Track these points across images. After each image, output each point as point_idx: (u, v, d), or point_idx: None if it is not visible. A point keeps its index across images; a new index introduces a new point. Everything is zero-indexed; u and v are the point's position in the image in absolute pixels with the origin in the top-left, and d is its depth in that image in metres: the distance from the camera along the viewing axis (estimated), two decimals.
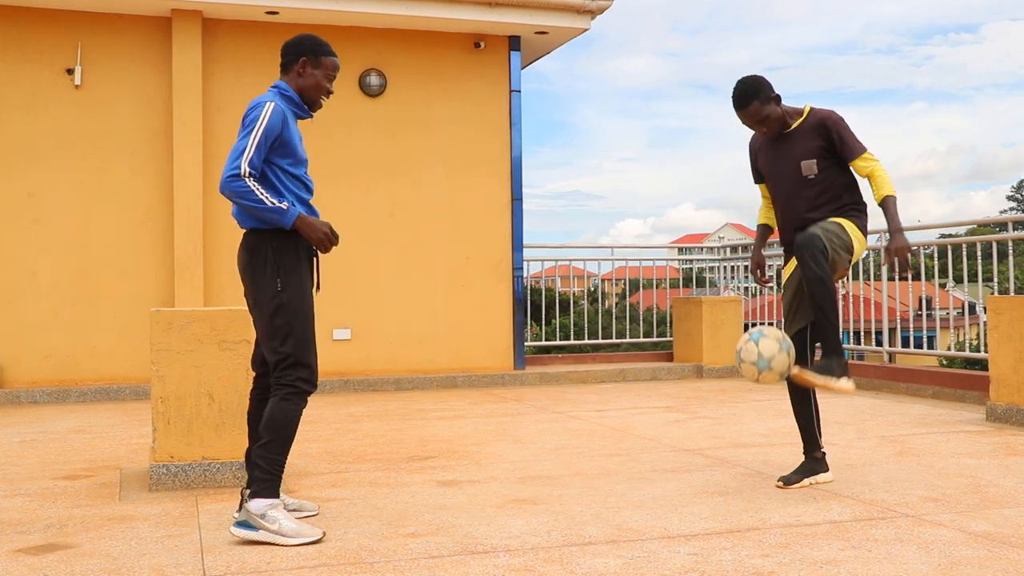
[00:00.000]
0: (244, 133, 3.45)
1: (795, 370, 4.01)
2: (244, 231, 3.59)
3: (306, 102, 3.66)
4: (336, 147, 8.92)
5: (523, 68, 9.68)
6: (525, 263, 9.64)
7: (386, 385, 8.65)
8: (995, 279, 7.93)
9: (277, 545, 3.27)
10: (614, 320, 11.04)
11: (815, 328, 4.16)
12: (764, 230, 4.62)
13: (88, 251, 8.31)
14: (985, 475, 4.35)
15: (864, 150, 4.15)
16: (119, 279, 8.35)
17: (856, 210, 4.21)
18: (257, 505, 3.34)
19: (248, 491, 3.42)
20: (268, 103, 3.51)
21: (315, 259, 3.66)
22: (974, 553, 3.10)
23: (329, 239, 3.52)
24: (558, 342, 10.55)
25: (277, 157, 3.52)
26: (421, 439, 5.71)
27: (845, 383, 3.91)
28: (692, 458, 4.92)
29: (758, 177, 4.50)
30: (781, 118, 4.21)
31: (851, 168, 4.20)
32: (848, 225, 4.14)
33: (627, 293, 15.19)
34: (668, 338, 10.69)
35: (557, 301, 11.44)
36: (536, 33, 9.28)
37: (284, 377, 3.46)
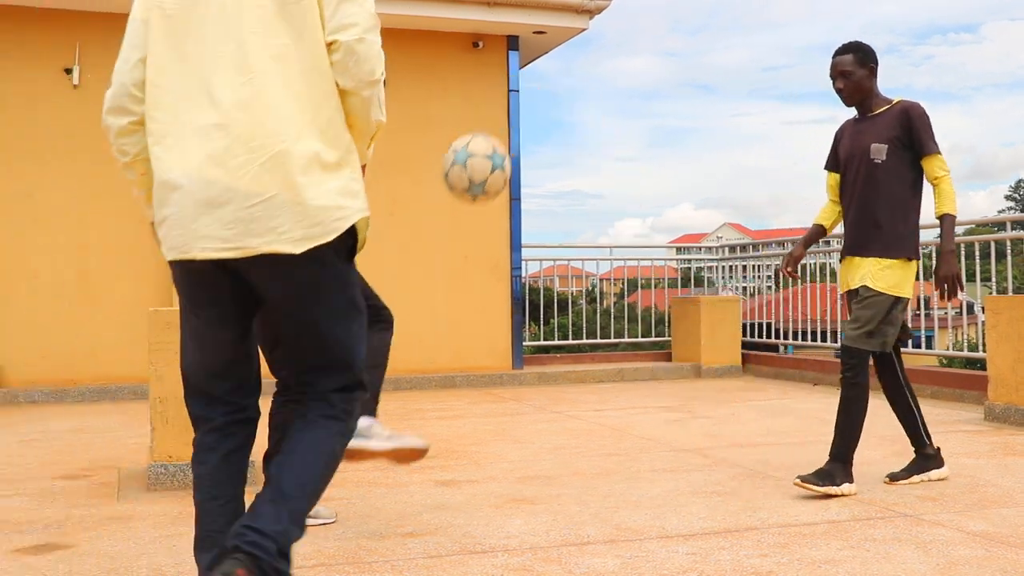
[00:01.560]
0: None
1: (796, 481, 3.97)
2: None
3: None
4: None
5: (522, 68, 9.68)
6: (524, 263, 9.64)
7: (384, 385, 8.61)
8: (993, 279, 7.92)
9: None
10: (612, 320, 11.04)
11: (836, 427, 4.07)
12: (818, 230, 4.52)
13: (87, 251, 8.30)
14: (983, 475, 4.35)
15: (939, 152, 4.07)
16: (118, 279, 8.35)
17: (906, 234, 4.09)
18: (364, 422, 3.49)
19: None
20: None
21: None
22: (972, 553, 3.10)
23: None
24: (557, 342, 10.55)
25: None
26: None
27: (847, 488, 3.94)
28: (690, 458, 4.92)
29: (832, 164, 4.38)
30: (864, 88, 4.14)
31: (921, 166, 4.09)
32: (891, 277, 4.05)
33: (625, 293, 15.20)
34: (666, 338, 10.69)
35: (556, 301, 11.44)
36: (534, 33, 9.28)
37: None
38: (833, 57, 4.18)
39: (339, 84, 2.30)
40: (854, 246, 4.20)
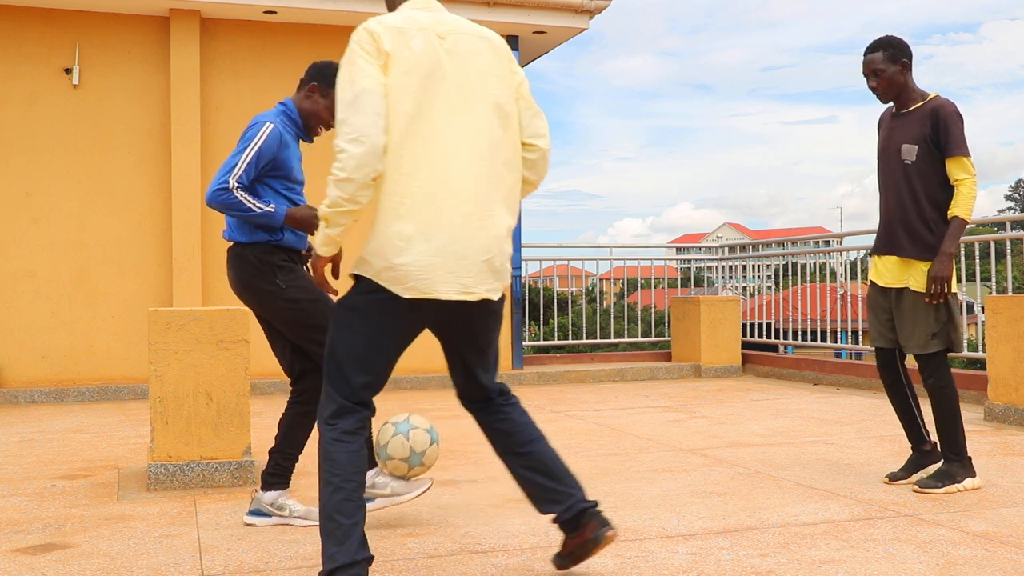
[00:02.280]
0: (238, 150, 3.50)
1: (915, 488, 4.04)
2: (228, 247, 3.65)
3: (306, 126, 3.70)
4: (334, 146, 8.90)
5: (522, 67, 9.66)
6: (523, 263, 9.64)
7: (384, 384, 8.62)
8: (993, 279, 7.91)
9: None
10: (612, 320, 11.04)
11: (938, 431, 4.12)
12: None
13: (86, 250, 8.30)
14: (983, 475, 4.35)
15: (967, 154, 4.00)
16: (117, 279, 8.35)
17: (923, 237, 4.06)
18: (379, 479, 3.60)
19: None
20: (267, 124, 3.55)
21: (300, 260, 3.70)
22: (972, 552, 3.10)
23: (311, 220, 3.55)
24: (556, 342, 10.55)
25: (270, 178, 3.57)
26: None
27: (971, 482, 4.02)
28: (690, 458, 4.92)
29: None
30: (898, 84, 4.08)
31: (945, 165, 4.03)
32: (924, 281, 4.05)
33: (625, 293, 15.19)
34: (666, 338, 10.69)
35: (555, 301, 11.45)
36: (534, 32, 9.28)
37: None
38: (864, 55, 4.12)
39: (525, 176, 2.91)
40: (894, 245, 4.13)
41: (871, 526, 3.47)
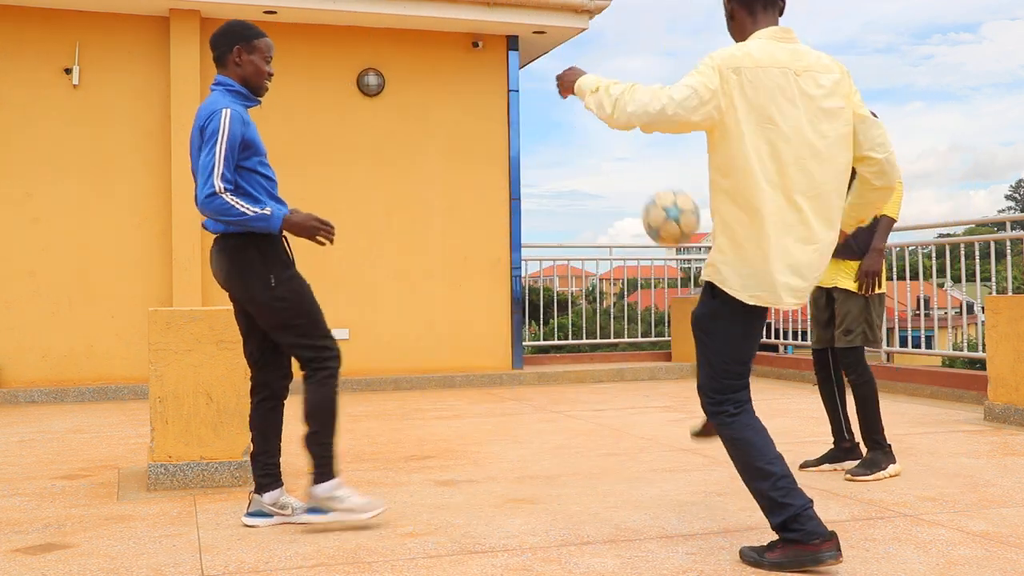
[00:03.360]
0: (208, 147, 3.40)
1: (847, 476, 4.34)
2: (216, 236, 3.57)
3: (251, 89, 3.60)
4: (334, 146, 8.92)
5: (521, 68, 9.68)
6: (523, 263, 9.64)
7: (384, 385, 8.64)
8: (993, 279, 7.92)
9: (350, 521, 3.47)
10: (612, 320, 11.04)
11: (861, 423, 4.43)
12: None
13: (86, 250, 8.30)
14: (983, 475, 4.35)
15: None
16: (117, 279, 8.35)
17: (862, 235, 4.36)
18: (325, 488, 3.47)
19: (312, 477, 3.53)
20: (223, 110, 3.45)
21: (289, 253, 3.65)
22: (972, 553, 3.10)
23: (320, 230, 3.52)
24: (556, 342, 10.55)
25: (244, 160, 3.50)
26: (419, 439, 5.71)
27: (893, 468, 4.33)
28: (690, 458, 4.92)
29: None
30: None
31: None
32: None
33: (625, 293, 15.19)
34: (666, 338, 10.69)
35: (555, 301, 11.45)
36: (534, 33, 9.28)
37: (316, 363, 3.51)
38: None
39: (875, 184, 3.17)
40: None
41: (871, 526, 3.47)
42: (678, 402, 7.46)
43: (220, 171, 3.39)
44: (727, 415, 3.02)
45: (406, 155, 9.14)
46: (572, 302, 11.68)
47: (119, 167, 8.36)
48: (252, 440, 3.68)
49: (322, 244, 3.58)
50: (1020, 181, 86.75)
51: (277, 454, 3.69)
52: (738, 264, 2.98)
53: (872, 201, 3.26)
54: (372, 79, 8.98)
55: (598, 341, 10.61)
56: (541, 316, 10.64)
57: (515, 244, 9.40)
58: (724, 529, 3.45)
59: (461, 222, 9.28)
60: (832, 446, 4.61)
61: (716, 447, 5.24)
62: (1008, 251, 7.49)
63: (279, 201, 3.63)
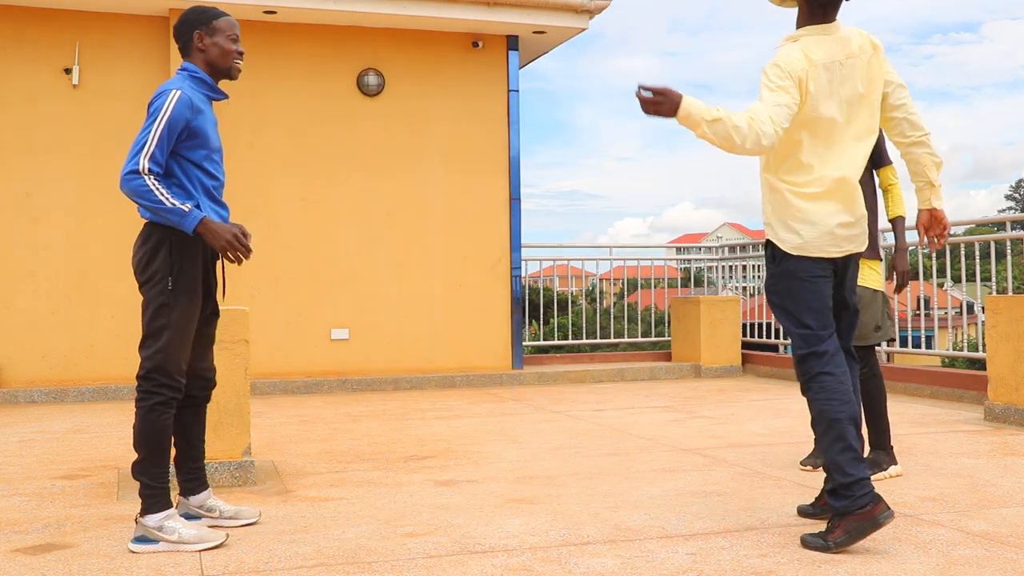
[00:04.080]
0: (146, 125, 3.22)
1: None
2: (144, 222, 3.37)
3: (220, 73, 3.44)
4: (334, 146, 8.92)
5: (521, 67, 9.68)
6: (523, 263, 9.64)
7: (384, 385, 8.64)
8: (993, 279, 7.92)
9: (181, 553, 3.20)
10: (612, 320, 11.04)
11: (869, 423, 4.43)
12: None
13: (86, 250, 8.31)
14: (983, 475, 4.35)
15: (892, 162, 4.47)
16: (117, 279, 8.34)
17: (876, 235, 4.39)
18: (153, 519, 3.25)
19: (141, 507, 3.30)
20: (173, 91, 3.27)
21: (221, 264, 3.47)
22: (972, 553, 3.10)
23: (233, 247, 3.26)
24: (556, 342, 10.55)
25: (187, 150, 3.31)
26: (419, 439, 5.71)
27: (894, 470, 4.36)
28: (690, 458, 4.92)
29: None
30: None
31: (875, 174, 4.51)
32: (875, 278, 4.42)
33: (625, 293, 15.20)
34: (666, 338, 10.69)
35: (555, 301, 11.45)
36: (534, 32, 9.28)
37: (148, 384, 3.28)
38: None
39: (908, 136, 3.42)
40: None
41: None
42: (678, 402, 7.46)
43: (150, 151, 3.19)
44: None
45: (406, 155, 9.14)
46: (572, 302, 11.67)
47: (119, 167, 8.33)
48: (175, 445, 3.56)
49: (231, 261, 3.28)
50: (1020, 181, 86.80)
51: (201, 458, 3.63)
52: None
53: (919, 157, 3.40)
54: (372, 79, 8.98)
55: (598, 341, 10.61)
56: (541, 316, 10.64)
57: (515, 244, 9.41)
58: (724, 529, 3.45)
59: (461, 222, 9.28)
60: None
61: (716, 447, 5.24)
62: (1008, 251, 7.49)
63: (219, 204, 3.44)
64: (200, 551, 3.21)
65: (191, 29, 3.43)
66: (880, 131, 4.26)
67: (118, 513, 3.82)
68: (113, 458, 5.13)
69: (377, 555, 3.16)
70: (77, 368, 8.24)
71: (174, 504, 3.44)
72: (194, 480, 3.60)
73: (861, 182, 4.49)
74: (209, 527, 3.43)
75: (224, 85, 3.93)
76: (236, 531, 3.50)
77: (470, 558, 3.12)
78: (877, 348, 4.65)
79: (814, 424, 3.26)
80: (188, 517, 3.54)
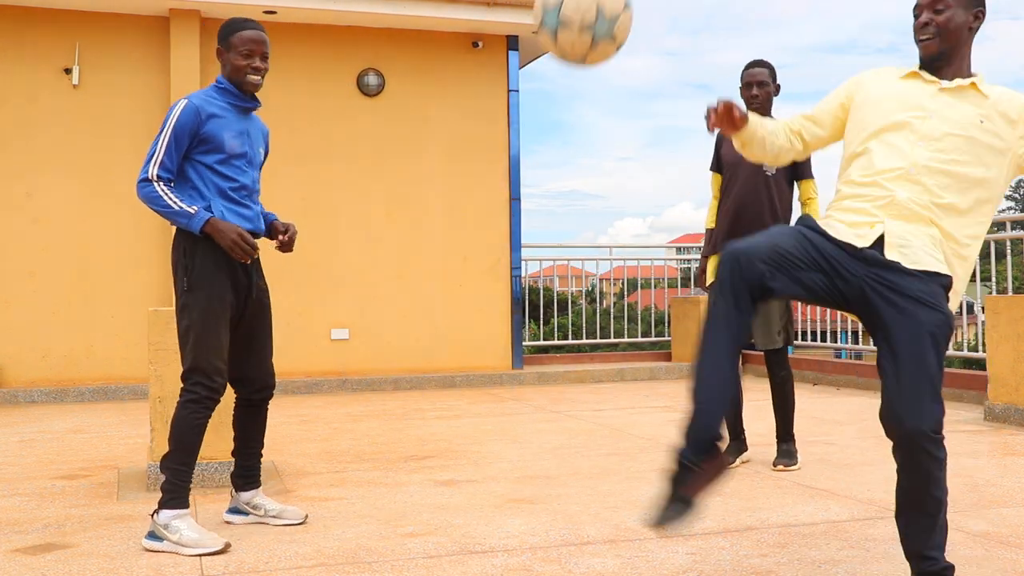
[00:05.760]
0: (158, 134, 3.37)
1: (777, 468, 4.59)
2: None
3: (239, 86, 3.49)
4: (334, 146, 8.92)
5: (521, 68, 9.68)
6: (523, 263, 9.64)
7: (384, 385, 8.64)
8: (993, 279, 7.92)
9: (179, 555, 3.19)
10: (612, 320, 11.04)
11: (784, 418, 4.76)
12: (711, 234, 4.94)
13: (86, 251, 8.30)
14: (983, 475, 4.35)
15: (813, 177, 4.67)
16: (117, 279, 8.35)
17: None
18: (164, 516, 3.27)
19: (159, 500, 3.33)
20: (181, 101, 3.42)
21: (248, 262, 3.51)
22: (972, 553, 3.10)
23: (238, 244, 3.35)
24: (556, 342, 10.55)
25: (201, 155, 3.40)
26: (419, 439, 5.71)
27: (798, 459, 4.66)
28: None
29: (716, 164, 4.86)
30: (770, 100, 4.69)
31: (796, 184, 4.71)
32: None
33: (625, 293, 15.19)
34: (666, 338, 10.69)
35: (555, 301, 11.45)
36: (534, 33, 9.26)
37: (185, 383, 3.41)
38: (750, 68, 4.71)
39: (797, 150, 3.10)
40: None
41: (871, 526, 3.47)
42: (678, 402, 7.46)
43: (159, 159, 3.33)
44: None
45: (406, 155, 9.14)
46: (572, 302, 11.67)
47: (119, 167, 8.35)
48: (234, 440, 3.75)
49: (238, 259, 3.41)
50: (1020, 181, 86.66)
51: (255, 456, 3.76)
52: None
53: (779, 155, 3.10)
54: (372, 79, 8.99)
55: (598, 341, 10.61)
56: (541, 316, 10.64)
57: (515, 244, 9.40)
58: (724, 529, 3.45)
59: (461, 222, 9.28)
60: (731, 440, 4.78)
61: None
62: (1008, 251, 7.49)
63: (239, 205, 3.50)
64: (196, 555, 3.19)
65: (218, 43, 3.55)
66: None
67: (118, 513, 3.82)
68: (113, 458, 5.13)
69: (377, 555, 3.16)
70: (77, 368, 8.24)
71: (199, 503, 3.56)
72: (244, 477, 3.68)
73: (778, 192, 4.69)
74: (254, 523, 3.57)
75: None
76: (237, 530, 3.50)
77: (470, 558, 3.12)
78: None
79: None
80: (237, 512, 3.63)
